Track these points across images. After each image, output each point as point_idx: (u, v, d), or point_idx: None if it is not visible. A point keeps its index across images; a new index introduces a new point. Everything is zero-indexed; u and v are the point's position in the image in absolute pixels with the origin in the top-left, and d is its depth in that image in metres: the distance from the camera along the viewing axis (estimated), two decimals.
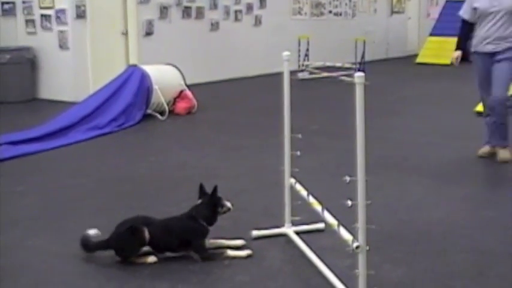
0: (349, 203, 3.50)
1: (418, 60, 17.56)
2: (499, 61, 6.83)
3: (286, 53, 4.61)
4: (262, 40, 15.23)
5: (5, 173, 6.88)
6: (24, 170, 7.04)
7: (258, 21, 15.43)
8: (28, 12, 11.99)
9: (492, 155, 7.05)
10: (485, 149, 7.14)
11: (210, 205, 4.50)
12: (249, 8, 15.20)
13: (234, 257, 4.40)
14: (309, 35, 15.14)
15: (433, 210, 5.47)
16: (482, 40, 6.93)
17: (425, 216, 5.30)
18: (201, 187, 4.62)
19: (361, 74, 3.43)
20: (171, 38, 13.16)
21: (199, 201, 4.56)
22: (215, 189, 4.51)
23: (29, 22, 12.01)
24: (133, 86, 9.57)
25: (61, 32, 11.66)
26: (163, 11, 13.15)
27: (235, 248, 4.50)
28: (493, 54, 6.87)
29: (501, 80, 6.81)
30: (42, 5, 11.81)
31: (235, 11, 14.86)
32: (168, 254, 4.41)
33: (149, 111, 9.77)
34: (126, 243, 4.32)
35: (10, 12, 12.06)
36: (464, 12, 7.13)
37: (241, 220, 5.14)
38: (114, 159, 7.52)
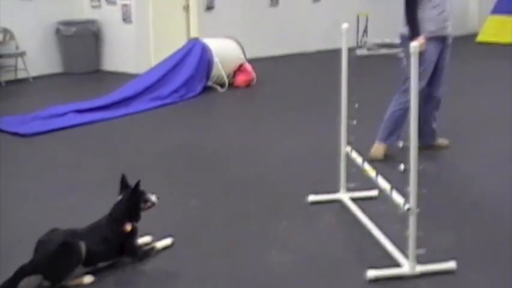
0: (402, 167, 3.68)
1: (479, 39, 17.32)
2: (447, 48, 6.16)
3: (345, 25, 4.79)
4: (321, 16, 15.28)
5: (73, 139, 7.26)
6: (91, 136, 7.40)
7: None
8: None
9: None
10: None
11: (130, 202, 4.03)
12: None
13: (163, 248, 4.20)
14: (368, 12, 15.15)
15: (486, 182, 5.57)
16: (444, 21, 5.99)
17: (478, 188, 5.42)
18: (123, 179, 4.13)
19: (415, 43, 3.58)
20: (231, 12, 13.34)
21: (120, 197, 4.08)
22: (137, 185, 4.03)
23: None
24: (195, 59, 9.82)
25: (124, 5, 11.96)
26: None
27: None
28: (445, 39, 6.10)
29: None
30: None
31: None
32: (100, 264, 3.96)
33: (209, 83, 10.02)
34: (60, 263, 3.70)
35: None
36: None
37: (299, 186, 5.38)
38: (175, 128, 7.81)
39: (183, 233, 4.42)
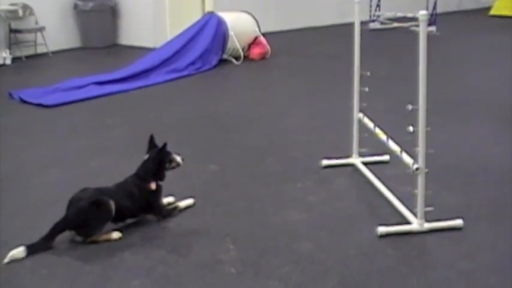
0: (411, 128, 3.90)
1: (492, 12, 17.36)
2: None
3: None
4: None
5: (94, 109, 7.52)
6: (111, 106, 7.66)
7: None
8: None
9: None
10: None
11: (156, 161, 4.26)
12: None
13: (185, 207, 4.45)
14: None
15: (493, 148, 5.78)
16: None
17: (485, 153, 5.62)
18: (151, 139, 4.36)
19: (423, 11, 3.80)
20: None
21: (146, 156, 4.31)
22: (164, 145, 4.26)
23: None
24: (210, 32, 10.04)
25: None
26: None
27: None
28: None
29: None
30: None
31: None
32: (129, 221, 4.23)
33: (225, 56, 10.24)
34: (91, 219, 3.95)
35: None
36: None
37: (312, 151, 5.62)
38: (192, 99, 8.05)
39: (204, 194, 4.68)
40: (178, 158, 4.36)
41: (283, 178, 5.05)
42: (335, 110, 6.95)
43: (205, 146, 6.02)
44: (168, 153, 4.31)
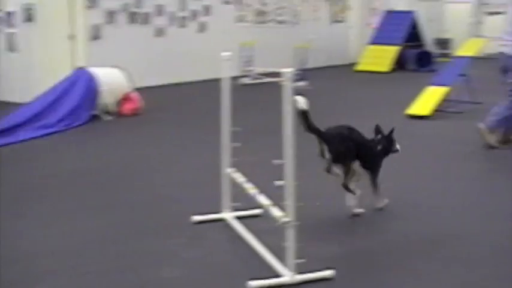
0: (278, 183, 3.99)
1: (358, 67, 18.13)
2: None
3: (226, 53, 5.10)
4: (206, 46, 15.62)
5: None
6: None
7: (202, 28, 15.84)
8: None
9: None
10: None
11: (388, 141, 5.60)
12: (194, 14, 15.60)
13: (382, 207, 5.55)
14: (252, 42, 15.61)
15: (362, 198, 5.96)
16: None
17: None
18: (378, 127, 5.63)
19: (288, 69, 3.93)
20: (118, 42, 13.47)
21: (379, 136, 5.61)
22: (392, 131, 5.61)
23: None
24: (81, 88, 9.93)
25: (10, 34, 11.91)
26: (111, 15, 13.48)
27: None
28: None
29: None
30: None
31: (181, 17, 15.25)
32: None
33: (96, 112, 10.11)
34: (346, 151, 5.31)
35: None
36: None
37: (185, 207, 5.61)
38: (65, 156, 7.90)
39: (70, 251, 4.56)
40: (398, 146, 5.68)
41: (156, 235, 5.01)
42: (207, 164, 6.95)
43: (73, 204, 5.86)
44: (394, 140, 5.66)
